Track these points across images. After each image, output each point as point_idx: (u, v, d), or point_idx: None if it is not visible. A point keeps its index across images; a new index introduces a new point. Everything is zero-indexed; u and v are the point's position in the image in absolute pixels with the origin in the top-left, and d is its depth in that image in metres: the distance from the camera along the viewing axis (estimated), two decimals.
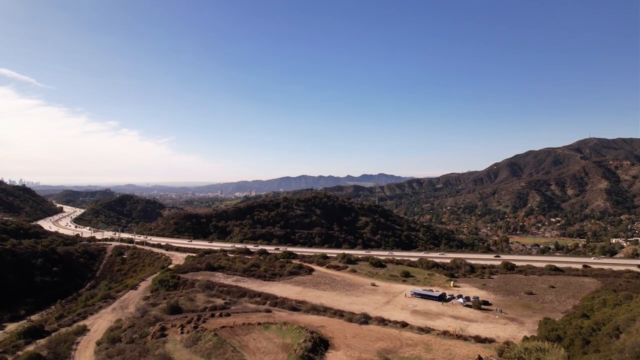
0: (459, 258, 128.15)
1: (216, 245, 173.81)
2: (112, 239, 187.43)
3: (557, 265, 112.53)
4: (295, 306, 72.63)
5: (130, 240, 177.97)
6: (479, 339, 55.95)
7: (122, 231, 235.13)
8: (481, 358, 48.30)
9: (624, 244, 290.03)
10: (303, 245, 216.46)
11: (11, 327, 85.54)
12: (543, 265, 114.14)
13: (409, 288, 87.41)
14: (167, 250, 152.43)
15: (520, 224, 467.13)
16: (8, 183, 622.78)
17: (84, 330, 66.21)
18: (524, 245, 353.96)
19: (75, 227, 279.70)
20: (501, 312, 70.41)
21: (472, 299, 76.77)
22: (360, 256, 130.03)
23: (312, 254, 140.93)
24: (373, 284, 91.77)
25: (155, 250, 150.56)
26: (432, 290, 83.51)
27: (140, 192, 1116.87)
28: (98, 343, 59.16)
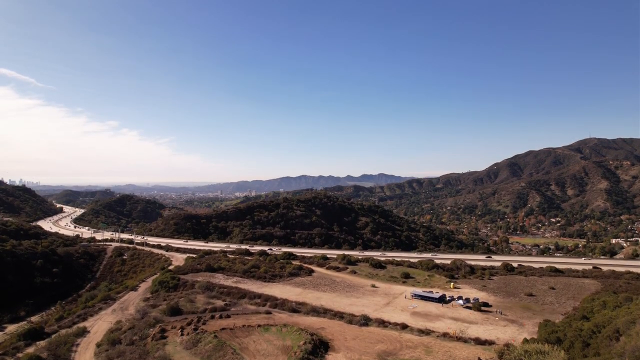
0: (454, 258, 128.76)
1: (216, 246, 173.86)
2: (112, 240, 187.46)
3: (557, 266, 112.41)
4: (295, 308, 72.64)
5: (130, 241, 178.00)
6: (479, 341, 55.93)
7: (122, 231, 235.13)
8: None
9: (624, 244, 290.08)
10: (303, 246, 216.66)
11: (11, 328, 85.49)
12: (543, 266, 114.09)
13: (409, 289, 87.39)
14: (167, 251, 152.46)
15: (520, 224, 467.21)
16: (8, 183, 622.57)
17: (84, 332, 66.22)
18: (524, 245, 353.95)
19: (75, 227, 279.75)
20: (501, 313, 70.41)
21: (472, 301, 76.75)
22: (360, 257, 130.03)
23: (312, 254, 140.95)
24: (373, 285, 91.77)
25: (155, 251, 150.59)
26: (432, 292, 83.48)
27: (140, 192, 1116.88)
28: (98, 345, 59.17)
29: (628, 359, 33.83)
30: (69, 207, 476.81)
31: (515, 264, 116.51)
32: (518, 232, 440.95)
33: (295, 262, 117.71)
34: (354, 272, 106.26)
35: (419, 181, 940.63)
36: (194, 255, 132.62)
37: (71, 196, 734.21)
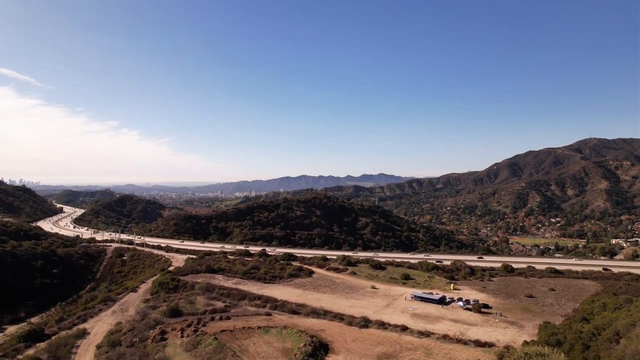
0: (448, 259, 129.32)
1: (216, 247, 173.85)
2: (112, 240, 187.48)
3: (553, 267, 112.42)
4: (295, 309, 72.63)
5: (130, 242, 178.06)
6: (479, 343, 55.92)
7: (122, 232, 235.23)
8: None
9: (624, 245, 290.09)
10: (303, 246, 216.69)
11: (11, 329, 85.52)
12: (543, 267, 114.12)
13: (409, 291, 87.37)
14: (167, 251, 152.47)
15: (520, 224, 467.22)
16: (8, 183, 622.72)
17: (84, 334, 66.18)
18: (524, 245, 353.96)
19: (74, 227, 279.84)
20: (501, 315, 70.40)
21: (472, 302, 76.77)
22: (360, 258, 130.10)
23: (312, 255, 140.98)
24: (373, 287, 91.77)
25: (155, 251, 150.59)
26: (432, 293, 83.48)
27: (140, 192, 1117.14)
28: (98, 347, 59.12)
29: None
30: (69, 207, 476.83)
31: (503, 264, 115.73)
32: (518, 233, 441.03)
33: (295, 263, 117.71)
34: (354, 274, 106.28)
35: (419, 181, 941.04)
36: (194, 256, 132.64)
37: (71, 196, 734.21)
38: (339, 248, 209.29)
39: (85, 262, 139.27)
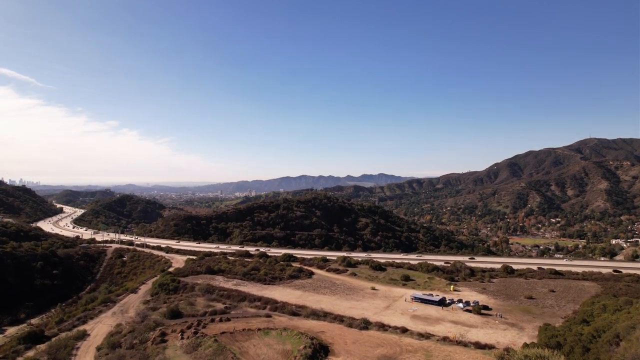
0: (439, 259, 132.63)
1: (216, 248, 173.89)
2: (112, 241, 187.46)
3: (557, 268, 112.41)
4: (295, 311, 72.60)
5: (131, 242, 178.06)
6: (479, 345, 55.90)
7: (123, 232, 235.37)
8: None
9: (624, 245, 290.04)
10: (303, 247, 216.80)
11: (11, 330, 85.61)
12: (535, 267, 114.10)
13: (409, 292, 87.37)
14: (167, 252, 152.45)
15: (520, 224, 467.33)
16: (8, 183, 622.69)
17: (84, 335, 66.12)
18: (524, 246, 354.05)
19: (73, 227, 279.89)
20: (501, 317, 70.39)
21: (472, 304, 76.77)
22: (360, 259, 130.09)
23: (312, 256, 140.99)
24: (373, 288, 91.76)
25: (156, 252, 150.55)
26: (432, 295, 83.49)
27: (140, 192, 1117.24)
28: (98, 348, 59.12)
29: None
30: (69, 208, 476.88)
31: (503, 265, 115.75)
32: (518, 233, 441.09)
33: (295, 264, 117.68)
34: (354, 275, 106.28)
35: (419, 181, 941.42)
36: (194, 257, 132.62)
37: (71, 196, 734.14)
38: (339, 249, 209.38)
39: (85, 262, 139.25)
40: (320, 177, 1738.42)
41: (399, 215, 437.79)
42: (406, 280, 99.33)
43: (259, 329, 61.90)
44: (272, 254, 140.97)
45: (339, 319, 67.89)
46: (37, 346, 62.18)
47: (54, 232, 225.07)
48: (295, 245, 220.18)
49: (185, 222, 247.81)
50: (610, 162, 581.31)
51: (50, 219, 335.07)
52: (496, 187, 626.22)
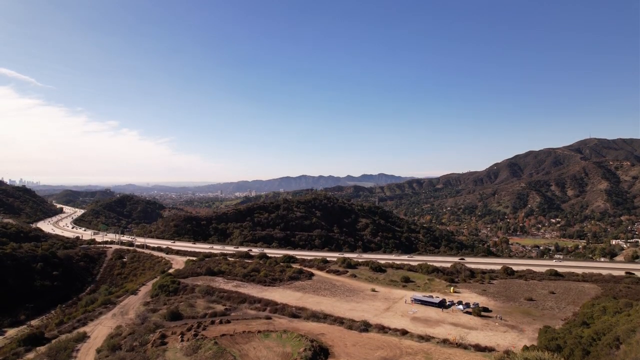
0: (428, 260, 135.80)
1: (216, 249, 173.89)
2: (112, 242, 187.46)
3: (558, 270, 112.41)
4: (296, 313, 72.61)
5: (131, 243, 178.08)
6: (479, 348, 55.92)
7: (123, 232, 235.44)
8: None
9: (624, 246, 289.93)
10: (303, 247, 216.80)
11: (11, 332, 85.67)
12: (543, 269, 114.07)
13: (409, 294, 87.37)
14: (167, 253, 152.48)
15: (520, 224, 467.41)
16: (8, 183, 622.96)
17: (84, 337, 66.13)
18: (524, 246, 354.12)
19: (73, 227, 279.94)
20: (501, 319, 70.38)
21: (472, 306, 76.76)
22: (360, 260, 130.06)
23: (312, 257, 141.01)
24: (373, 290, 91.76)
25: (156, 253, 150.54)
26: (432, 297, 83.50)
27: (140, 192, 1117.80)
28: (98, 351, 59.11)
29: None
30: (69, 208, 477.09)
31: (503, 267, 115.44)
32: (518, 233, 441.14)
33: (295, 266, 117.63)
34: (354, 276, 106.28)
35: (419, 181, 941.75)
36: (194, 258, 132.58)
37: (71, 196, 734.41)
38: (339, 249, 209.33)
39: (86, 264, 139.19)
40: (320, 177, 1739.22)
41: (399, 216, 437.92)
42: (406, 282, 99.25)
43: (259, 331, 61.91)
44: (272, 255, 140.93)
45: (339, 321, 67.90)
46: (37, 348, 62.21)
47: (54, 232, 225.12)
48: (295, 246, 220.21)
49: (185, 223, 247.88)
50: (610, 163, 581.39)
51: (50, 219, 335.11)
52: (496, 187, 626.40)
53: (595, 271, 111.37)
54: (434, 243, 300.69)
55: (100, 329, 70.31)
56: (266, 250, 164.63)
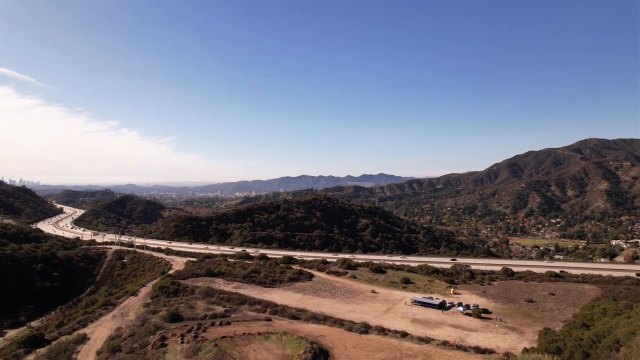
0: (422, 261, 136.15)
1: (216, 249, 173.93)
2: (112, 242, 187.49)
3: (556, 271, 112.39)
4: (296, 314, 72.59)
5: (131, 244, 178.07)
6: (478, 350, 55.88)
7: (123, 233, 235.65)
8: None
9: (624, 246, 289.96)
10: (303, 248, 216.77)
11: (11, 333, 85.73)
12: (543, 271, 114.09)
13: (409, 295, 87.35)
14: (167, 254, 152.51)
15: (521, 225, 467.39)
16: (8, 183, 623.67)
17: (84, 339, 66.05)
18: (524, 246, 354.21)
19: (71, 227, 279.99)
20: (501, 320, 70.35)
21: (472, 307, 76.70)
22: (360, 261, 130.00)
23: (312, 258, 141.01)
24: (373, 291, 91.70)
25: (156, 254, 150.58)
26: (432, 298, 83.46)
27: (140, 192, 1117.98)
28: (98, 352, 59.06)
29: None
30: (69, 208, 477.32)
31: (503, 268, 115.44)
32: (518, 233, 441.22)
33: (296, 267, 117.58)
34: (354, 277, 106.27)
35: (419, 181, 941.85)
36: (194, 259, 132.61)
37: (71, 196, 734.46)
38: (339, 250, 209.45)
39: (86, 264, 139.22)
40: (320, 177, 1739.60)
41: (399, 216, 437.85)
42: (406, 283, 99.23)
43: (259, 333, 61.87)
44: (272, 256, 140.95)
45: (339, 322, 67.85)
46: (37, 350, 62.10)
47: (54, 233, 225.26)
48: (295, 247, 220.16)
49: (185, 224, 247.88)
50: (611, 163, 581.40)
51: (50, 219, 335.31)
52: (496, 188, 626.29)
53: (587, 272, 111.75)
54: (434, 243, 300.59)
55: (100, 331, 70.26)
56: (266, 251, 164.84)
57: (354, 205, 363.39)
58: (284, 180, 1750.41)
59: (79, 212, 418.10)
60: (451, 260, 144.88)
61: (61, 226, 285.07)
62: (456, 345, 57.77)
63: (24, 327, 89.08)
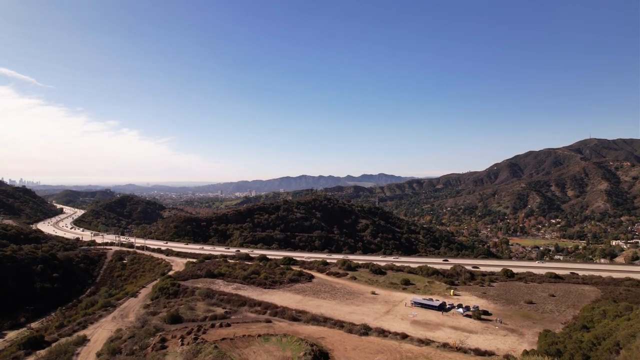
0: (415, 262, 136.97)
1: (216, 250, 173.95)
2: (112, 243, 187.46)
3: (557, 272, 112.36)
4: (296, 316, 72.58)
5: (131, 245, 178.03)
6: (478, 352, 55.88)
7: (123, 233, 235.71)
8: None
9: (624, 247, 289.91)
10: (303, 249, 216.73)
11: (11, 335, 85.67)
12: (543, 272, 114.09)
13: (409, 297, 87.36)
14: (167, 255, 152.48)
15: (521, 225, 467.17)
16: (8, 183, 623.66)
17: (84, 341, 66.04)
18: (524, 247, 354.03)
19: (71, 227, 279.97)
20: (501, 322, 70.36)
21: (472, 309, 76.69)
22: (360, 262, 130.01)
23: (312, 259, 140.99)
24: (373, 292, 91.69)
25: (156, 255, 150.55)
26: (432, 300, 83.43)
27: (140, 192, 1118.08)
28: (98, 354, 59.04)
29: None
30: (69, 208, 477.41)
31: (503, 269, 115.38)
32: (518, 234, 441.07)
33: (296, 268, 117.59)
34: (354, 278, 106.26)
35: (419, 181, 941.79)
36: (194, 260, 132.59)
37: (71, 196, 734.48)
38: (339, 250, 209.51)
39: (86, 265, 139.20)
40: (321, 177, 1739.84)
41: (399, 216, 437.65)
42: (406, 284, 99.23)
43: (259, 335, 61.84)
44: (272, 257, 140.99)
45: (339, 324, 67.85)
46: (37, 352, 62.04)
47: (54, 233, 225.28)
48: (295, 247, 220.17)
49: (185, 224, 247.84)
50: (611, 163, 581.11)
51: (50, 219, 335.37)
52: (496, 188, 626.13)
53: (587, 273, 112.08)
54: (434, 244, 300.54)
55: (100, 332, 70.25)
56: (266, 252, 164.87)
57: (354, 205, 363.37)
58: (284, 180, 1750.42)
59: (79, 212, 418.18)
60: (443, 261, 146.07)
61: (61, 226, 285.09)
62: (456, 347, 57.78)
63: (24, 329, 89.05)
